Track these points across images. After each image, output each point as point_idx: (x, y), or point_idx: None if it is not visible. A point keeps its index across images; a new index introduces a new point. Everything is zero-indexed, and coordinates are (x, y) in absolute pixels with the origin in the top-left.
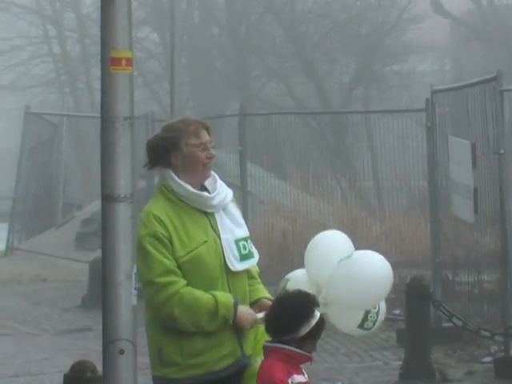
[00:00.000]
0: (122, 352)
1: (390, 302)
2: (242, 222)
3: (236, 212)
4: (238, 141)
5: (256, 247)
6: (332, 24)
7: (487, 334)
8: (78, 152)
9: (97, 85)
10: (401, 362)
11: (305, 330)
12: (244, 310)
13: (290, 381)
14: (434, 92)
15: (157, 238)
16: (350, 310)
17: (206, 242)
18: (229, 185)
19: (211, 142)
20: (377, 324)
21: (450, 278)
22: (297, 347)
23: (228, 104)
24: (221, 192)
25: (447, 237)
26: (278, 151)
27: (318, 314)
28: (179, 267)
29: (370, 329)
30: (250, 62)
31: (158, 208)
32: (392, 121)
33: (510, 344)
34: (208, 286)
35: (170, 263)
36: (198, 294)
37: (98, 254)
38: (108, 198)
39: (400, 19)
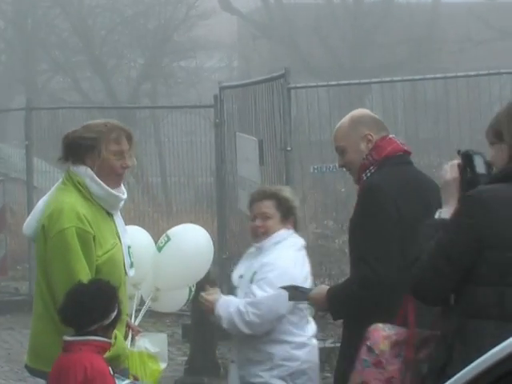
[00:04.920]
0: None
1: None
2: (126, 228)
3: (121, 217)
4: (24, 135)
5: None
6: (120, 19)
7: None
8: None
9: None
10: (186, 358)
11: (112, 316)
12: None
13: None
14: (222, 88)
15: (82, 235)
16: (179, 290)
17: (116, 244)
18: (15, 180)
19: (129, 151)
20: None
21: None
22: (102, 335)
23: (14, 97)
24: (125, 192)
25: (233, 233)
26: None
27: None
28: (97, 268)
29: (192, 293)
30: (36, 55)
31: (78, 204)
32: (180, 117)
33: None
34: (119, 289)
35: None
36: None
37: None
38: None
39: (188, 15)
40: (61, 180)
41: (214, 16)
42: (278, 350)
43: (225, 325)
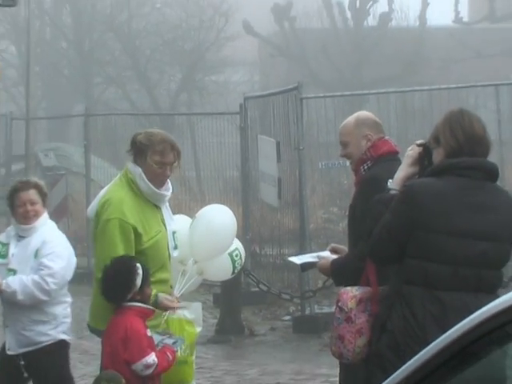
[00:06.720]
0: None
1: None
2: (173, 216)
3: (169, 207)
4: (83, 136)
5: None
6: (162, 41)
7: (287, 297)
8: None
9: None
10: (216, 320)
11: (139, 281)
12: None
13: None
14: (246, 98)
15: (123, 226)
16: (219, 261)
17: (160, 231)
18: (76, 174)
19: (174, 163)
20: (243, 257)
21: (258, 251)
22: (140, 299)
23: (74, 106)
24: (170, 188)
25: (255, 218)
26: (116, 145)
27: (138, 264)
28: (143, 252)
29: (240, 263)
30: (93, 70)
31: (127, 198)
32: (211, 122)
33: (305, 305)
34: (162, 267)
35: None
36: None
37: None
38: None
39: (218, 38)
40: (119, 175)
41: (239, 38)
42: (60, 310)
43: (20, 296)
